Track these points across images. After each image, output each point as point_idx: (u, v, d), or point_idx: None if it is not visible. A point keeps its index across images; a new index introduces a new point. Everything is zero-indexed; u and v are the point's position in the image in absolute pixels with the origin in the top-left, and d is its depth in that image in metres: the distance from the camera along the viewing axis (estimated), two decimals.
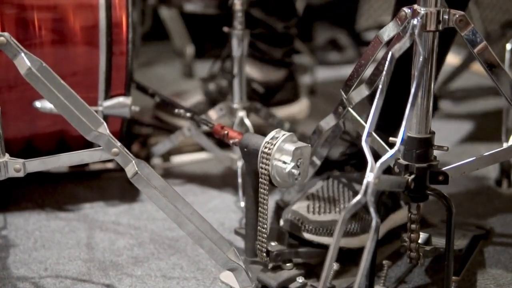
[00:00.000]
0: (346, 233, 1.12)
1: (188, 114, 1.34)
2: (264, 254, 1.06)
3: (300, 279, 1.06)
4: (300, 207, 1.14)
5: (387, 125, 1.12)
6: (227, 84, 1.57)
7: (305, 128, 1.62)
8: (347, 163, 1.22)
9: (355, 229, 1.13)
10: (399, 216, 1.20)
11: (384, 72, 0.90)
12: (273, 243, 1.08)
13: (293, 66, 1.72)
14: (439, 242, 1.05)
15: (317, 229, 1.10)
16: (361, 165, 1.20)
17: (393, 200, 1.19)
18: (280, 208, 1.23)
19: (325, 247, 1.10)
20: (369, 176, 0.81)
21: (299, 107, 1.71)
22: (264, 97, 1.62)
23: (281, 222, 1.14)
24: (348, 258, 1.09)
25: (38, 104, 1.21)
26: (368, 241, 0.79)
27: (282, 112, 1.62)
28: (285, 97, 1.67)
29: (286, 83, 1.68)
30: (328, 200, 1.15)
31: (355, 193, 1.16)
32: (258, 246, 1.06)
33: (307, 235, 1.10)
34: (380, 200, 1.16)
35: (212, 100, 1.58)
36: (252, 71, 1.63)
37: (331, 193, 1.17)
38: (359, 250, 1.08)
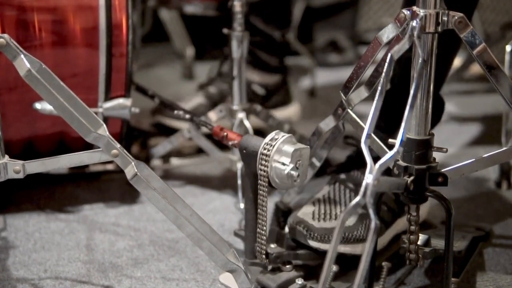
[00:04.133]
0: (352, 240, 1.10)
1: (187, 116, 1.35)
2: (264, 256, 1.06)
3: (300, 281, 1.06)
4: (305, 213, 1.13)
5: (392, 126, 1.12)
6: (227, 86, 1.57)
7: (305, 129, 1.62)
8: (354, 166, 1.21)
9: (362, 235, 1.11)
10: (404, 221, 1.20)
11: (383, 74, 0.91)
12: (272, 245, 1.07)
13: (287, 71, 1.75)
14: (439, 243, 1.05)
15: (323, 236, 1.09)
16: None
17: (399, 206, 1.18)
18: (279, 210, 1.23)
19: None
20: (368, 178, 0.82)
21: (293, 110, 1.74)
22: (263, 99, 1.64)
23: (286, 229, 1.14)
24: (353, 265, 1.09)
25: (38, 105, 1.21)
26: (367, 242, 0.79)
27: (278, 114, 1.64)
28: (280, 100, 1.71)
29: (281, 87, 1.72)
30: (334, 205, 1.14)
31: None
32: (257, 248, 1.06)
33: (313, 243, 1.09)
34: (388, 206, 1.16)
35: (213, 103, 1.59)
36: (252, 75, 1.65)
37: (338, 198, 1.16)
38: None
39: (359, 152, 1.23)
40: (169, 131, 1.56)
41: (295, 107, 1.75)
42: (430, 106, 0.96)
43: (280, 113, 1.68)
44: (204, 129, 1.33)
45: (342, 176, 1.20)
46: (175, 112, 1.37)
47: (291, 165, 1.00)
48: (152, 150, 1.49)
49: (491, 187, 1.44)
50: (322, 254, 1.09)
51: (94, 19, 1.23)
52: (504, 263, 1.16)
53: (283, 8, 1.70)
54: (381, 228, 1.13)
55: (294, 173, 1.00)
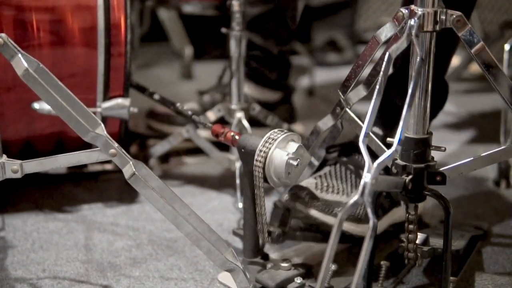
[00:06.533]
0: (353, 219, 1.13)
1: (189, 113, 1.34)
2: (266, 235, 1.06)
3: (298, 280, 1.06)
4: (309, 183, 1.15)
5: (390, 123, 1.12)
6: (221, 97, 1.57)
7: (303, 129, 1.62)
8: (355, 150, 1.22)
9: (361, 215, 1.13)
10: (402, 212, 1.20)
11: (381, 73, 0.90)
12: (275, 224, 1.08)
13: (290, 89, 1.69)
14: (437, 242, 1.05)
15: (324, 207, 1.11)
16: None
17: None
18: (278, 209, 1.23)
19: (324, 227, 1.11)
20: (367, 177, 0.81)
21: None
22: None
23: (285, 197, 1.14)
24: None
25: (36, 105, 1.21)
26: (365, 242, 0.79)
27: None
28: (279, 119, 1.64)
29: (281, 105, 1.65)
30: (336, 180, 1.17)
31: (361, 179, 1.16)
32: (258, 228, 1.06)
33: (314, 212, 1.11)
34: (387, 193, 1.16)
35: (206, 111, 1.58)
36: (249, 89, 1.61)
37: (338, 177, 1.18)
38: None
39: None
40: (161, 136, 1.56)
41: (295, 129, 1.66)
42: (429, 105, 0.96)
43: None
44: (203, 129, 1.33)
45: (343, 158, 1.22)
46: (178, 104, 1.37)
47: (292, 155, 1.00)
48: (150, 149, 1.49)
49: (490, 186, 1.44)
50: (325, 235, 1.09)
51: (93, 19, 1.23)
52: (503, 262, 1.16)
53: (283, 24, 1.65)
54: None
55: (294, 162, 1.00)
